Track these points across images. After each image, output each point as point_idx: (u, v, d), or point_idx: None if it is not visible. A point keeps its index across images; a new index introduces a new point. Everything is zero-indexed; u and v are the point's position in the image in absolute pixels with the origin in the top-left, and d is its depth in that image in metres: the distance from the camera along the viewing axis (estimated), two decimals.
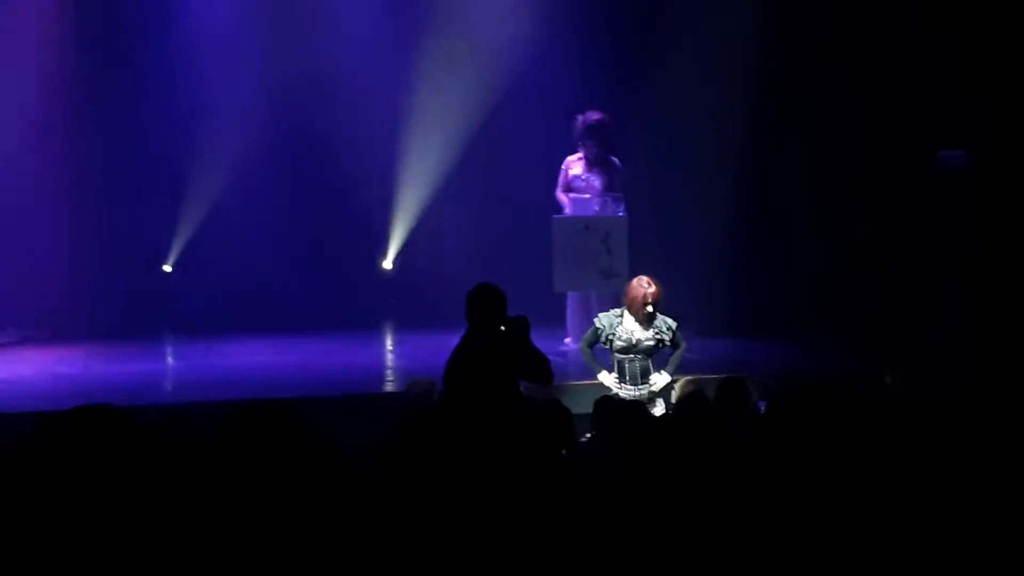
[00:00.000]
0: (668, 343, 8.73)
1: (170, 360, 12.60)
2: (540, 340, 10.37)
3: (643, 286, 8.77)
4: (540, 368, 7.32)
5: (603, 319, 8.74)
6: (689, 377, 8.62)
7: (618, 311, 8.78)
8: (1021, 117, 11.18)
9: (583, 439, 6.79)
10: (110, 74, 13.54)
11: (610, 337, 8.65)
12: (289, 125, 14.05)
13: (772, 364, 9.68)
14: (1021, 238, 11.12)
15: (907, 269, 11.95)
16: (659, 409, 8.47)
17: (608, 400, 7.50)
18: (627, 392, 8.62)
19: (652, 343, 8.68)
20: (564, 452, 6.00)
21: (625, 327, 8.67)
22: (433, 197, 14.23)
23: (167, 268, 14.17)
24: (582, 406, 7.73)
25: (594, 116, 11.90)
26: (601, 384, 8.80)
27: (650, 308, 8.67)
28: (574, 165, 11.95)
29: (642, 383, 8.64)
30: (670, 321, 8.80)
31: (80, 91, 13.33)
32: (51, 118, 13.29)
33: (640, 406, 7.58)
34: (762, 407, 7.31)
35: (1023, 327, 10.44)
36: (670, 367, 8.73)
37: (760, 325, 12.30)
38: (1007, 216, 11.19)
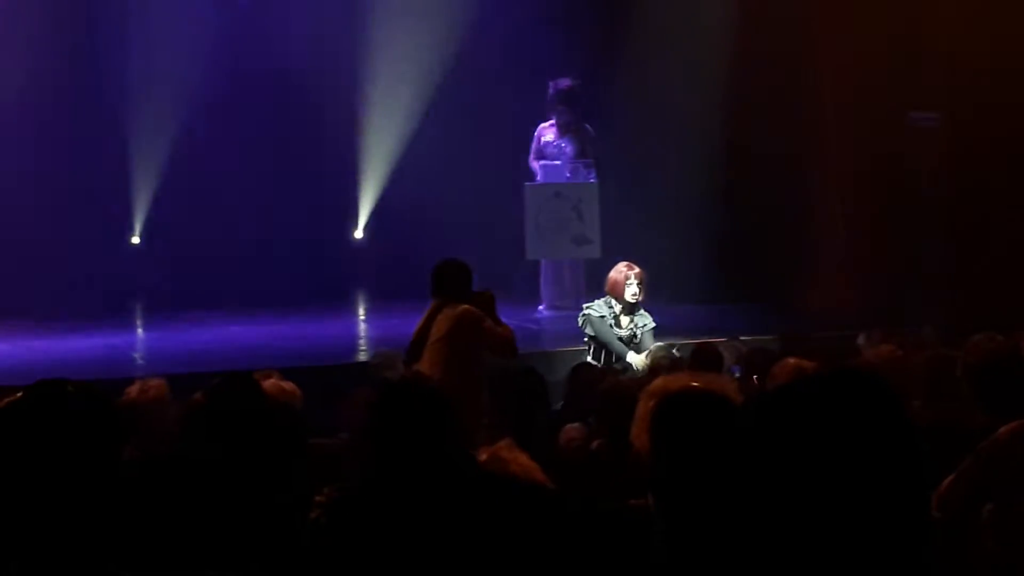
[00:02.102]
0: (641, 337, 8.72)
1: (141, 334, 12.54)
2: (514, 307, 10.40)
3: (620, 270, 8.79)
4: (504, 342, 7.33)
5: (598, 308, 8.67)
6: (660, 344, 8.64)
7: (609, 301, 8.73)
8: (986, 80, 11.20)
9: (557, 406, 6.80)
10: (68, 42, 13.35)
11: (611, 323, 8.62)
12: (257, 95, 13.92)
13: (744, 328, 9.68)
14: (991, 197, 11.16)
15: (879, 232, 11.98)
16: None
17: (583, 368, 7.52)
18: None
19: (633, 335, 8.69)
20: (538, 419, 6.02)
21: (620, 325, 8.66)
22: (405, 165, 14.15)
23: (135, 240, 14.05)
24: (556, 373, 7.75)
25: (565, 83, 11.87)
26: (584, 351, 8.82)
27: (633, 287, 8.64)
28: (546, 132, 11.92)
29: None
30: (648, 321, 8.77)
31: (37, 62, 13.14)
32: (8, 92, 13.11)
33: (615, 373, 7.59)
34: (736, 371, 7.34)
35: (994, 286, 10.49)
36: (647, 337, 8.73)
37: (732, 290, 12.31)
38: (977, 176, 11.22)
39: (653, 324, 8.81)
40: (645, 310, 8.82)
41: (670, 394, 3.30)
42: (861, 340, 7.64)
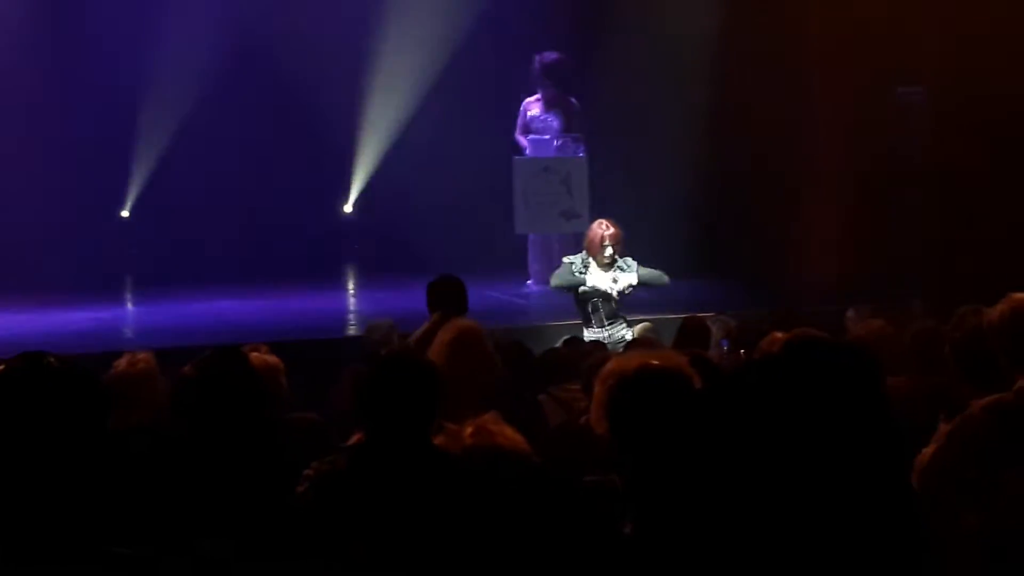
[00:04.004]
0: (636, 282, 8.78)
1: (130, 308, 12.51)
2: (502, 282, 10.43)
3: (602, 227, 8.86)
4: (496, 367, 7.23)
5: (572, 258, 8.83)
6: (647, 324, 8.67)
7: (584, 256, 8.83)
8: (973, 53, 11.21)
9: None
10: (59, 19, 13.30)
11: (581, 272, 8.72)
12: (248, 67, 13.87)
13: (732, 303, 9.71)
14: (979, 172, 11.17)
15: (866, 207, 11.99)
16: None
17: (574, 342, 7.54)
18: (593, 334, 8.67)
19: (615, 287, 8.75)
20: (525, 393, 6.03)
21: (591, 275, 8.74)
22: (393, 139, 14.12)
23: (125, 214, 14.03)
24: (544, 348, 7.76)
25: (551, 56, 11.85)
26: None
27: (609, 249, 8.72)
28: (532, 106, 11.91)
29: (608, 325, 8.69)
30: (629, 260, 8.87)
31: (28, 37, 13.09)
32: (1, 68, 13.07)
33: (602, 347, 7.61)
34: (724, 345, 7.35)
35: (982, 259, 10.52)
36: (643, 272, 8.80)
37: (720, 264, 12.32)
38: (964, 150, 11.23)
39: (634, 274, 8.86)
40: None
41: (624, 376, 3.28)
42: (850, 315, 7.66)
